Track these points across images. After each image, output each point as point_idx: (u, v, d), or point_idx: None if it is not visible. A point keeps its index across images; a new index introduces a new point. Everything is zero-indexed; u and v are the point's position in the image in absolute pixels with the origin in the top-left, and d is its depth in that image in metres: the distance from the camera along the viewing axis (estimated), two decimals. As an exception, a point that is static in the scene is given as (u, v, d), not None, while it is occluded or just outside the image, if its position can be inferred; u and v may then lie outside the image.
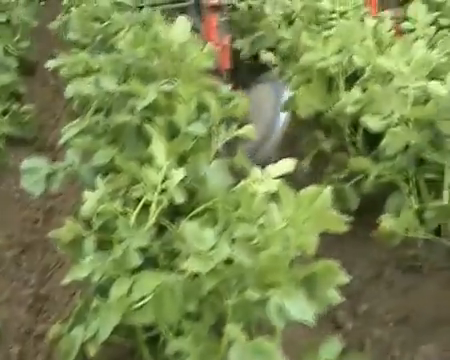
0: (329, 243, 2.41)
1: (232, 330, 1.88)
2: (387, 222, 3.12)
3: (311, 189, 2.09)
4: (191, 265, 1.96)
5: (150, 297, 1.99)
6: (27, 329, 3.15)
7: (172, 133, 2.87)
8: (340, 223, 2.08)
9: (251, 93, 4.47)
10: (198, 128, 2.81)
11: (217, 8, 5.05)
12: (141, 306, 2.00)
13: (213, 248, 1.98)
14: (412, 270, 3.17)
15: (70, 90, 3.14)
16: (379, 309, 3.02)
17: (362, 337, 2.89)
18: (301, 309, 1.86)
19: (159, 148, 2.61)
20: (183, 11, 5.14)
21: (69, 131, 3.04)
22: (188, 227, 2.11)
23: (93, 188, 2.68)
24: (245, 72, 5.02)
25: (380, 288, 3.16)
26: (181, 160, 2.70)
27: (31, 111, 5.54)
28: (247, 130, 2.99)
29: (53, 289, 3.37)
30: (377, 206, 3.42)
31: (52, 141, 5.16)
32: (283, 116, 4.50)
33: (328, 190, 2.09)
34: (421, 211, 3.16)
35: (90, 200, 2.64)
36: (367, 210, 3.52)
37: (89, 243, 2.51)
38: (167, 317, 1.99)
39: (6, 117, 5.33)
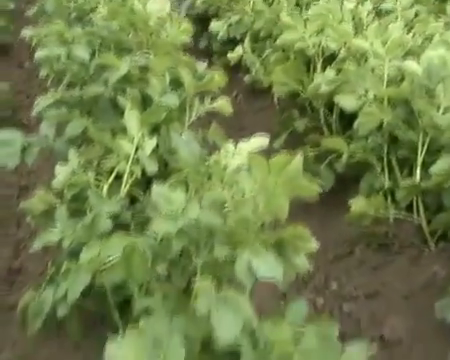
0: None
1: (201, 283, 1.87)
2: (357, 204, 3.13)
3: (282, 156, 2.09)
4: (159, 226, 1.95)
5: (119, 256, 1.98)
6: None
7: (146, 105, 2.86)
8: (311, 189, 2.08)
9: None
10: (170, 99, 2.81)
11: None
12: (111, 265, 1.99)
13: (182, 209, 1.97)
14: (383, 248, 3.18)
15: (40, 54, 3.09)
16: (349, 285, 3.04)
17: (332, 310, 2.91)
18: (270, 267, 1.85)
19: (132, 119, 2.61)
20: None
21: (42, 102, 3.01)
22: (157, 189, 2.10)
23: (67, 161, 2.68)
24: None
25: (351, 265, 3.17)
26: (154, 131, 2.69)
27: (6, 91, 5.49)
28: (221, 104, 3.00)
29: (27, 260, 3.34)
30: (351, 185, 3.43)
31: (27, 121, 5.11)
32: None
33: (299, 157, 2.09)
34: (393, 190, 3.18)
35: (62, 173, 2.63)
36: (341, 189, 3.53)
37: (61, 212, 2.50)
38: (136, 276, 1.98)
39: (-20, 96, 5.29)
